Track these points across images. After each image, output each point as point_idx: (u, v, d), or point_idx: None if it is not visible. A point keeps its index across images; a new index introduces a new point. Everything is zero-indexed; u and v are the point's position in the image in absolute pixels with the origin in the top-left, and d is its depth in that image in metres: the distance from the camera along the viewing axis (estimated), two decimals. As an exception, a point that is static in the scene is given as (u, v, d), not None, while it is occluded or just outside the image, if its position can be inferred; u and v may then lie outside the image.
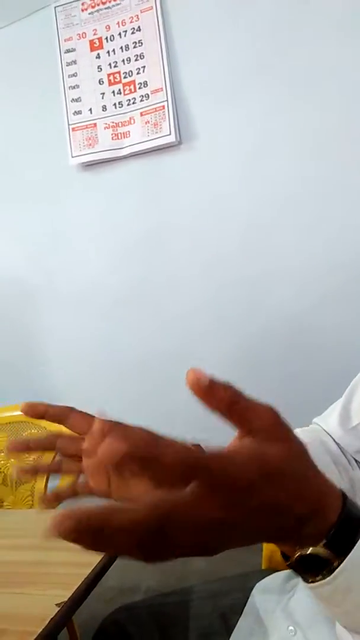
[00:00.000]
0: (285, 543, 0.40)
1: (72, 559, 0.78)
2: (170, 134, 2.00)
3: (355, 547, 0.39)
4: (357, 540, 0.39)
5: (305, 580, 0.40)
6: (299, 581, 0.80)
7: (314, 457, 0.73)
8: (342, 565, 0.38)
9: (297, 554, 0.39)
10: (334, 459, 0.74)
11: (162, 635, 0.84)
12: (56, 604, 0.65)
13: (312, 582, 0.40)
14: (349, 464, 0.75)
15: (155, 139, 2.03)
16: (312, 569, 0.39)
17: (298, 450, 0.39)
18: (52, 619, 0.63)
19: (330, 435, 0.77)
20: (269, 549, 1.02)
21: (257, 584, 0.85)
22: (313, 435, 0.77)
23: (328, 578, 0.39)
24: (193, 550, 0.34)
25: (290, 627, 0.73)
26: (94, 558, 0.75)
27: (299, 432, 0.79)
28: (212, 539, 0.35)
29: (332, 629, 0.69)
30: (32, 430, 1.57)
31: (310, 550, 0.38)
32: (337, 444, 0.76)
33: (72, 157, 2.16)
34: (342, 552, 0.38)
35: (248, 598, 0.83)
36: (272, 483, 0.36)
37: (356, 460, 0.75)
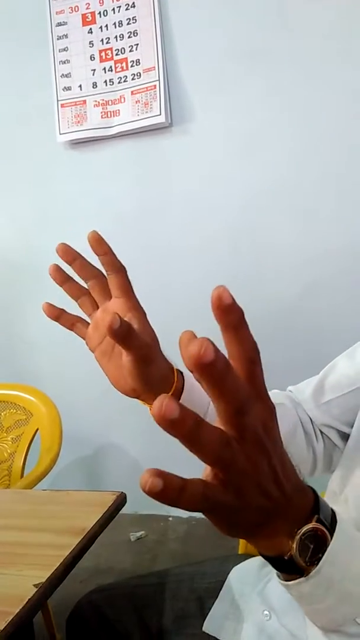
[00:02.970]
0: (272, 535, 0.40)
1: (50, 540, 0.77)
2: (160, 115, 1.97)
3: (332, 542, 0.40)
4: (332, 536, 0.40)
5: (285, 579, 0.42)
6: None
7: (286, 417, 0.75)
8: (322, 559, 0.39)
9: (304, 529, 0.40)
10: (304, 426, 0.77)
11: (137, 617, 0.85)
12: (34, 585, 0.65)
13: (290, 580, 0.41)
14: (314, 434, 0.77)
15: (145, 118, 2.00)
16: (290, 570, 0.41)
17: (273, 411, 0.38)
18: (29, 599, 0.63)
19: (302, 406, 0.79)
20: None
21: (234, 569, 0.86)
22: (287, 400, 0.80)
23: (311, 574, 0.40)
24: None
25: (266, 612, 0.74)
26: (73, 540, 0.75)
27: (274, 393, 0.81)
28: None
29: (307, 614, 0.70)
30: (11, 410, 1.56)
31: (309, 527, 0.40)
32: (307, 414, 0.78)
33: (60, 134, 2.12)
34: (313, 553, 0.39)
35: (224, 582, 0.84)
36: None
37: (322, 433, 0.78)
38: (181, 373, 0.66)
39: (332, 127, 1.84)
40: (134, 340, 0.53)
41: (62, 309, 0.66)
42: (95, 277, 0.65)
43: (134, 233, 2.13)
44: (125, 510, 0.91)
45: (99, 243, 0.62)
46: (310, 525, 0.40)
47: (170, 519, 2.19)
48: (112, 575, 1.83)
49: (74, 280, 0.65)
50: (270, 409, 0.37)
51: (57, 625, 1.47)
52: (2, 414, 1.56)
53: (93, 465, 2.37)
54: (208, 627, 0.80)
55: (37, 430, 1.48)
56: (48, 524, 0.83)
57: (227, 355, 0.34)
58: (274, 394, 0.81)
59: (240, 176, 1.97)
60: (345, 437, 0.74)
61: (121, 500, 0.87)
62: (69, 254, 0.65)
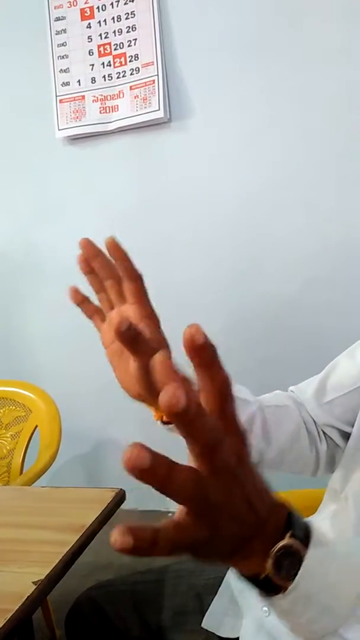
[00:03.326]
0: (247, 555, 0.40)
1: (49, 537, 0.77)
2: (159, 110, 1.96)
3: (306, 557, 0.39)
4: (307, 549, 0.40)
5: (267, 596, 0.41)
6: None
7: (290, 418, 0.75)
8: (298, 574, 0.39)
9: (278, 546, 0.39)
10: (307, 427, 0.77)
11: (137, 613, 0.85)
12: (33, 582, 0.65)
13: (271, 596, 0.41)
14: (317, 435, 0.77)
15: (143, 114, 1.99)
16: (268, 588, 0.40)
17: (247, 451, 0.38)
18: (28, 596, 0.63)
19: (304, 406, 0.79)
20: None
21: (233, 565, 0.85)
22: (290, 401, 0.79)
23: (287, 590, 0.39)
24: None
25: (265, 608, 0.74)
26: (72, 537, 0.75)
27: (277, 394, 0.82)
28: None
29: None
30: (10, 407, 1.56)
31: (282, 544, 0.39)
32: (310, 414, 0.78)
33: (59, 129, 2.11)
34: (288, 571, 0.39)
35: (223, 578, 0.84)
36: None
37: (324, 433, 0.78)
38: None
39: (332, 122, 1.83)
40: (142, 346, 0.53)
41: (86, 296, 0.66)
42: (113, 277, 0.65)
43: (132, 228, 2.13)
44: (124, 506, 0.92)
45: (115, 248, 0.62)
46: (283, 543, 0.39)
47: (170, 515, 2.18)
48: (112, 571, 1.84)
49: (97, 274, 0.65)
50: (241, 440, 0.37)
51: (57, 621, 1.47)
52: (2, 410, 1.56)
53: (92, 462, 2.38)
54: (207, 623, 0.80)
55: (36, 426, 1.48)
56: (47, 520, 0.83)
57: (198, 388, 0.35)
58: (277, 395, 0.81)
59: (239, 171, 1.96)
60: (346, 436, 0.74)
61: (120, 497, 0.88)
62: (91, 250, 0.64)
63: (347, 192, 1.85)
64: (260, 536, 0.39)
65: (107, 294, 0.66)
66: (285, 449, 0.75)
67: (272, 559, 0.39)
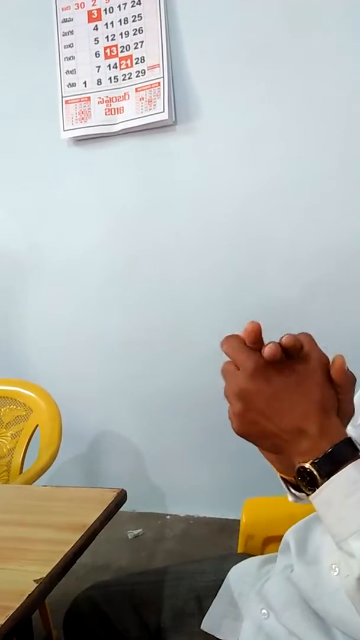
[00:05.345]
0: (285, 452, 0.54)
1: (51, 536, 0.77)
2: (163, 112, 1.97)
3: (339, 472, 0.50)
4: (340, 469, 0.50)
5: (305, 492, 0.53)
6: (273, 566, 0.82)
7: None
8: (327, 481, 0.51)
9: (297, 466, 0.53)
10: None
11: (136, 615, 0.85)
12: (34, 580, 0.65)
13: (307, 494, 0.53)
14: None
15: (148, 115, 1.99)
16: (307, 484, 0.52)
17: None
18: (30, 594, 0.63)
19: None
20: (245, 533, 1.04)
21: (233, 568, 0.86)
22: None
23: (317, 490, 0.52)
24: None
25: (264, 610, 0.74)
26: (73, 536, 0.75)
27: None
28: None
29: (305, 613, 0.70)
30: (11, 406, 1.56)
31: (301, 465, 0.52)
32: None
33: (64, 130, 2.11)
34: (325, 472, 0.51)
35: (223, 581, 0.84)
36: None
37: None
38: None
39: (336, 126, 1.84)
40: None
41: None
42: None
43: (136, 230, 2.13)
44: (123, 507, 0.92)
45: (255, 337, 0.56)
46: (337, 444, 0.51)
47: (168, 517, 2.19)
48: (109, 573, 1.83)
49: None
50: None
51: (53, 622, 1.47)
52: (2, 409, 1.56)
53: (92, 462, 2.38)
54: (206, 625, 0.80)
55: (36, 426, 1.48)
56: (49, 519, 0.83)
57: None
58: None
59: (244, 174, 1.97)
60: None
61: (121, 498, 0.88)
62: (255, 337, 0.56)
63: (349, 195, 1.85)
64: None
65: None
66: None
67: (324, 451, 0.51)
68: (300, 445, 0.52)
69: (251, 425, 0.54)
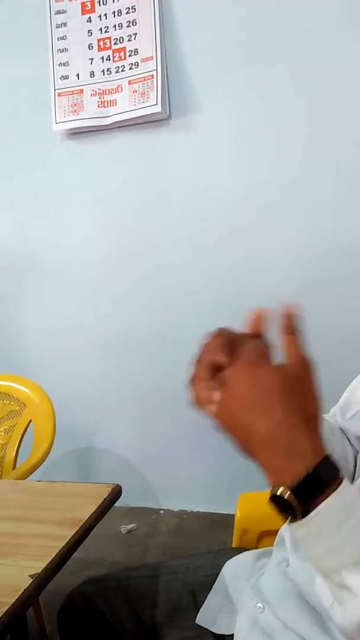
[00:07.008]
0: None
1: (46, 531, 0.77)
2: (157, 104, 1.95)
3: (328, 499, 0.46)
4: (321, 494, 0.46)
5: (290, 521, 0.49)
6: (268, 560, 0.82)
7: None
8: (314, 511, 0.46)
9: (276, 491, 0.48)
10: (340, 440, 0.76)
11: (130, 609, 0.85)
12: (29, 575, 0.65)
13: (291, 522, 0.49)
14: (350, 448, 0.76)
15: (141, 108, 1.98)
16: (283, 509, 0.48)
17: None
18: (25, 590, 0.63)
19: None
20: (240, 528, 1.04)
21: (228, 562, 0.86)
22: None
23: (303, 520, 0.47)
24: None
25: (259, 604, 0.74)
26: (68, 531, 0.75)
27: None
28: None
29: (300, 607, 0.70)
30: (4, 401, 1.55)
31: (279, 491, 0.47)
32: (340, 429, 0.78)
33: (56, 123, 2.09)
34: (306, 500, 0.47)
35: (218, 575, 0.84)
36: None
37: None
38: None
39: (333, 121, 1.83)
40: None
41: None
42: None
43: (131, 225, 2.12)
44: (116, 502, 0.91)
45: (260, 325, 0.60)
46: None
47: (162, 512, 2.19)
48: (103, 568, 1.83)
49: None
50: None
51: (46, 617, 1.47)
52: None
53: (85, 458, 2.37)
54: (201, 619, 0.80)
55: (30, 421, 1.47)
56: (44, 514, 0.83)
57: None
58: None
59: (240, 169, 1.96)
60: None
61: (116, 493, 0.87)
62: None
63: (347, 192, 1.85)
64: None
65: None
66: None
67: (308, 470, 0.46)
68: (274, 461, 0.48)
69: (231, 414, 0.51)
